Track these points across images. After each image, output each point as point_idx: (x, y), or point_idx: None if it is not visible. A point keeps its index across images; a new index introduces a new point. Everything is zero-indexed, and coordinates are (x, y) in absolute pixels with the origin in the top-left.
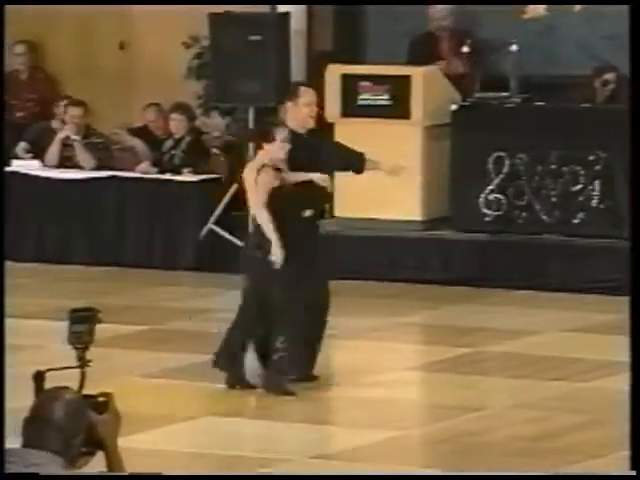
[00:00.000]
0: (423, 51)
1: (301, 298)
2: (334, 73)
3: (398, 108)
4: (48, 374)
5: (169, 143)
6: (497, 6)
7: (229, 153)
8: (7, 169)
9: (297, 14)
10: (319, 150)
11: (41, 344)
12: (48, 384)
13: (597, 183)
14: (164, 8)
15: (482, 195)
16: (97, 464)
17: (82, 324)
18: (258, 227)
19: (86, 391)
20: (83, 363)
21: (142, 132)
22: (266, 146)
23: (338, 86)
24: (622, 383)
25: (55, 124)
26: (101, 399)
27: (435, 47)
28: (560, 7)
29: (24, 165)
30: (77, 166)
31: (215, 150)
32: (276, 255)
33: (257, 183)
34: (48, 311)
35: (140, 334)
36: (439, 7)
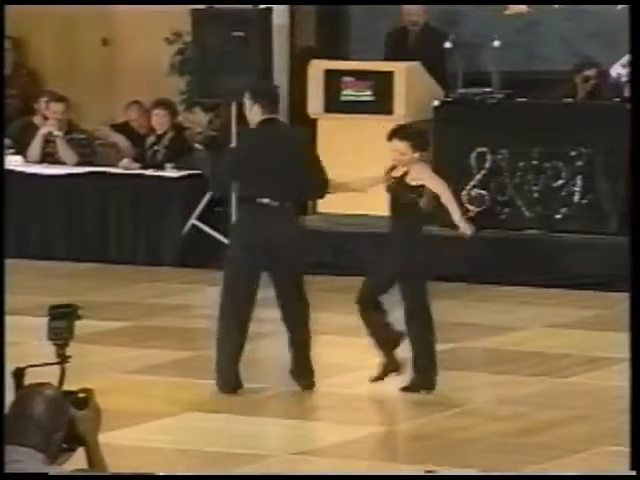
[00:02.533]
0: (396, 46)
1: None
2: (317, 69)
3: (381, 104)
4: (28, 370)
5: (151, 139)
6: (479, 6)
7: (212, 149)
8: None
9: (279, 10)
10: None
11: (22, 341)
12: (28, 380)
13: (579, 179)
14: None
15: (464, 191)
16: (78, 461)
17: (61, 320)
18: None
19: (69, 387)
20: (63, 359)
21: (124, 128)
22: None
23: (321, 82)
24: (605, 379)
25: (37, 120)
26: (81, 395)
27: (406, 42)
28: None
29: (6, 161)
30: (59, 162)
31: (198, 146)
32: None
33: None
34: (30, 308)
35: (123, 330)
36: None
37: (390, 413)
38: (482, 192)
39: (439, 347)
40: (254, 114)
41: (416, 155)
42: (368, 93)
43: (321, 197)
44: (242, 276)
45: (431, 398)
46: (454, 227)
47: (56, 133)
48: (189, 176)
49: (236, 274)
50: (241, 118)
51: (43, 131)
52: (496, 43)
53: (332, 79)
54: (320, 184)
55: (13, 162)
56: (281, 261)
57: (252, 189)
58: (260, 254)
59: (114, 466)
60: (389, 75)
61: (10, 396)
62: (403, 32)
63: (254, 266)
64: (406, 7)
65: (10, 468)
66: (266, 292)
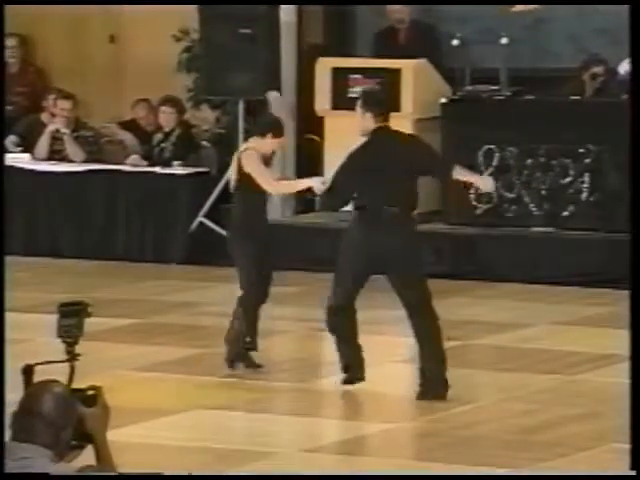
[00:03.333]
0: (386, 45)
1: None
2: (324, 66)
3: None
4: (37, 368)
5: (159, 136)
6: (483, 6)
7: (219, 146)
8: None
9: (287, 8)
10: None
11: (31, 338)
12: (37, 378)
13: (586, 176)
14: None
15: (472, 188)
16: (87, 458)
17: (71, 318)
18: None
19: (76, 384)
20: (72, 357)
21: (131, 126)
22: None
23: (328, 79)
24: (612, 376)
25: (45, 117)
26: (90, 392)
27: (397, 41)
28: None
29: (14, 158)
30: (67, 159)
31: (205, 143)
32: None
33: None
34: (38, 305)
35: (131, 327)
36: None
37: (398, 410)
38: None
39: (447, 344)
40: (367, 123)
41: None
42: None
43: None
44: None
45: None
46: (459, 224)
47: (63, 130)
48: (196, 173)
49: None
50: (248, 115)
51: (50, 128)
52: (503, 40)
53: (340, 76)
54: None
55: (21, 159)
56: (402, 269)
57: (371, 197)
58: (378, 263)
59: (122, 463)
60: (397, 72)
61: (19, 393)
62: (392, 31)
63: (368, 272)
64: (390, 6)
65: (19, 464)
66: (276, 289)
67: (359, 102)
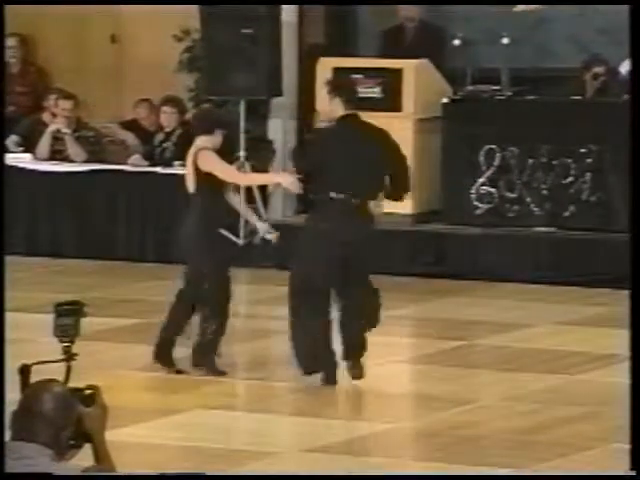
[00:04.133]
0: (394, 43)
1: None
2: (326, 66)
3: (390, 101)
4: (35, 367)
5: (160, 136)
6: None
7: None
8: None
9: (288, 7)
10: None
11: (31, 338)
12: (35, 378)
13: (588, 176)
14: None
15: (473, 188)
16: (86, 457)
17: (67, 317)
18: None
19: (77, 384)
20: (69, 356)
21: (133, 125)
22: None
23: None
24: (613, 376)
25: (46, 117)
26: (88, 392)
27: (404, 40)
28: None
29: (15, 158)
30: (68, 159)
31: None
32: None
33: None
34: (39, 305)
35: (132, 327)
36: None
37: (398, 410)
38: (491, 189)
39: (448, 344)
40: (335, 108)
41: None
42: (377, 90)
43: (401, 199)
44: (320, 274)
45: (441, 395)
46: (459, 224)
47: (65, 130)
48: None
49: (313, 271)
50: (249, 115)
51: (52, 128)
52: (505, 40)
53: (341, 76)
54: (404, 187)
55: (22, 159)
56: (355, 260)
57: (332, 185)
58: (337, 252)
59: (122, 463)
60: (398, 72)
61: (14, 392)
62: (400, 29)
63: (331, 264)
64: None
65: (21, 463)
66: (276, 289)
67: (328, 88)
